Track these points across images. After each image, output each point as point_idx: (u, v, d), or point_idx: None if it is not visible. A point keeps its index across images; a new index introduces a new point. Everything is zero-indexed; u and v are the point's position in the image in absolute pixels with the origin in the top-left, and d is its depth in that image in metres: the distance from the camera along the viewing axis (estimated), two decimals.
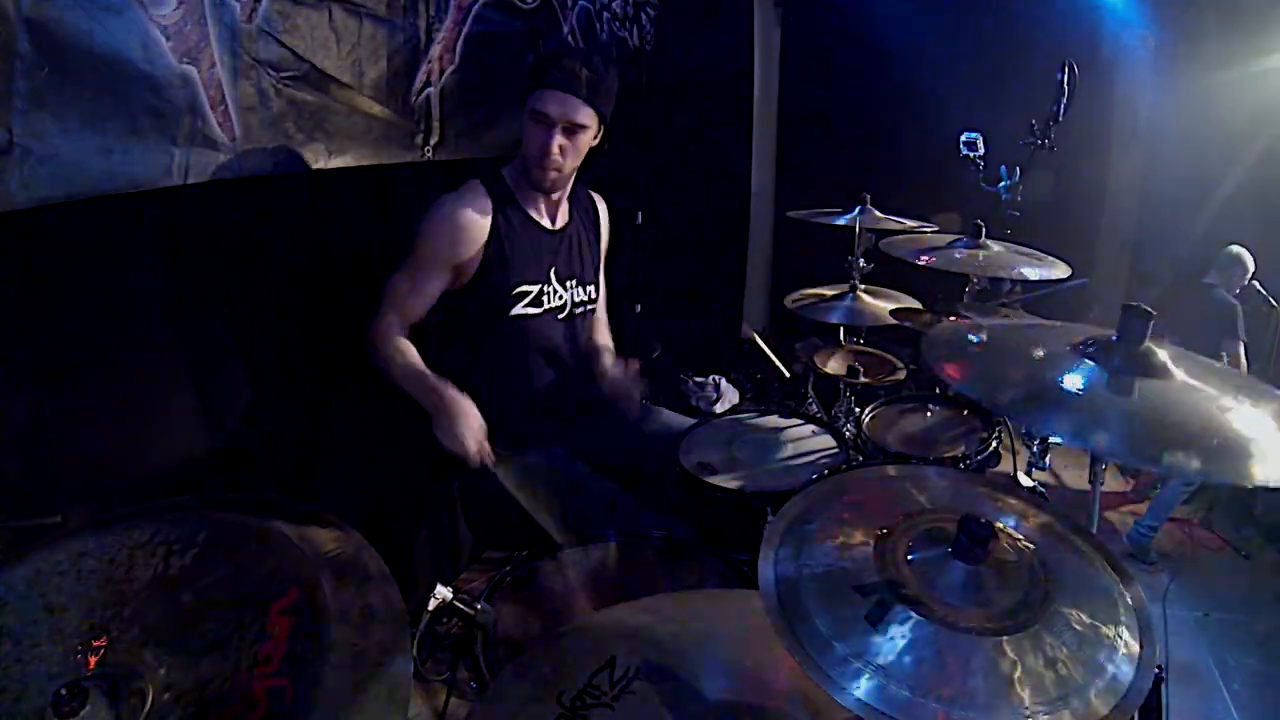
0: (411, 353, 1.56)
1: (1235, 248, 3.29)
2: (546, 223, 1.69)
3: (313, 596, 0.73)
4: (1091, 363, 1.02)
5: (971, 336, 1.21)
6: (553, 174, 1.58)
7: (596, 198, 1.85)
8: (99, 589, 0.73)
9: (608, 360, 1.83)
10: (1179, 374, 1.00)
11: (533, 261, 1.65)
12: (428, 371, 1.52)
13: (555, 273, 1.69)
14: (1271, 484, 0.82)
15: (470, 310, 1.64)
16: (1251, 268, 3.28)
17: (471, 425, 1.45)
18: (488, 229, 1.58)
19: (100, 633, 0.69)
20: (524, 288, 1.63)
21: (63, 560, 0.75)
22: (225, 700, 0.64)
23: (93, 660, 0.67)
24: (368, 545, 0.83)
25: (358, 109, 1.68)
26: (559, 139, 1.54)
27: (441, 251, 1.57)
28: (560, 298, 1.70)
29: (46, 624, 0.70)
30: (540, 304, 1.66)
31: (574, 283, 1.73)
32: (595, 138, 1.62)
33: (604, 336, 1.91)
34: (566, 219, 1.74)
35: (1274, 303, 3.13)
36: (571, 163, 1.60)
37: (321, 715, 0.63)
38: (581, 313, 1.76)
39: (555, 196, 1.68)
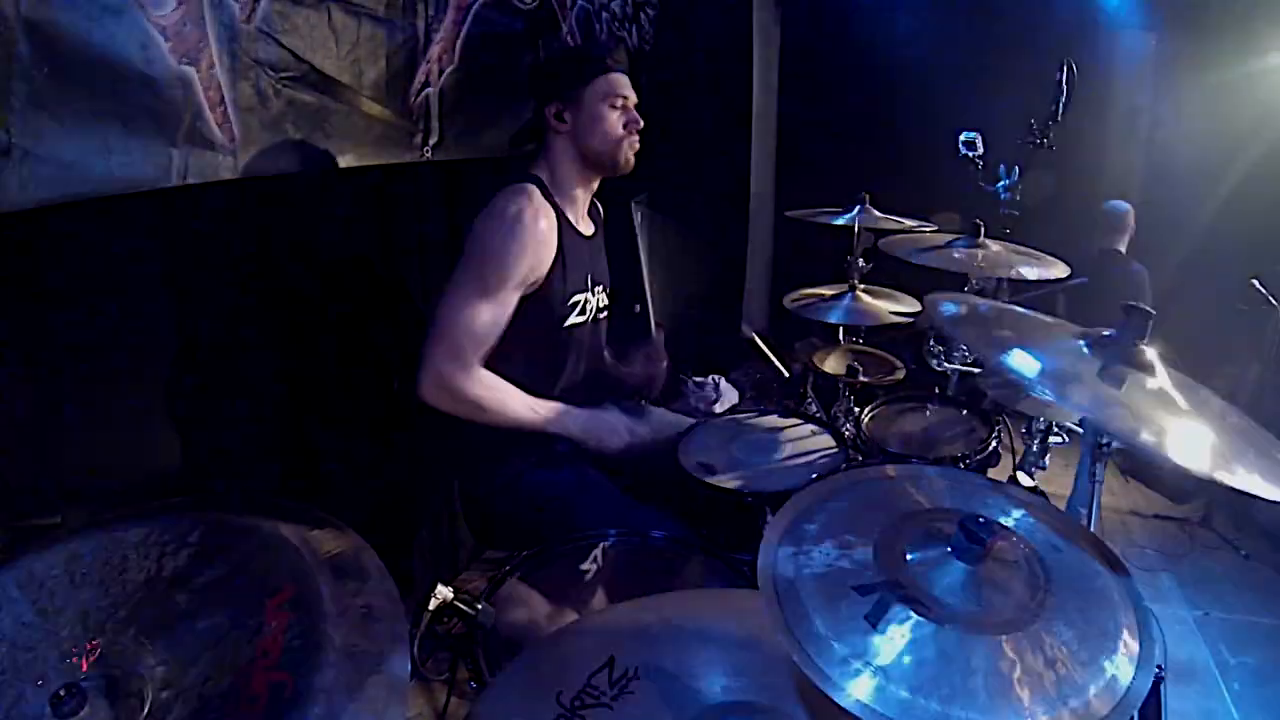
0: (504, 387, 1.51)
1: (1115, 201, 3.40)
2: (583, 229, 1.69)
3: (309, 592, 0.73)
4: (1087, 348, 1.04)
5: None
6: (633, 152, 1.63)
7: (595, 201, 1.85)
8: (93, 592, 0.73)
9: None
10: (1163, 375, 1.02)
11: (581, 269, 1.64)
12: (536, 403, 1.55)
13: (591, 279, 1.69)
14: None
15: (527, 322, 1.54)
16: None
17: (619, 430, 1.62)
18: (556, 238, 1.55)
19: (96, 634, 0.69)
20: (576, 297, 1.63)
21: (55, 564, 0.75)
22: (225, 696, 0.64)
23: (89, 662, 0.67)
24: (367, 545, 0.83)
25: (357, 109, 1.68)
26: (635, 113, 1.61)
27: (532, 266, 1.50)
28: (593, 304, 1.70)
29: (41, 628, 0.70)
30: (585, 312, 1.67)
31: (601, 289, 1.74)
32: None
33: None
34: (592, 224, 1.74)
35: (1274, 301, 3.13)
36: None
37: (322, 708, 0.64)
38: (604, 317, 1.77)
39: (581, 199, 1.68)
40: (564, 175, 1.62)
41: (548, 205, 1.55)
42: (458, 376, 1.45)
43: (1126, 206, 3.43)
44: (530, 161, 1.65)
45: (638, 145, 1.63)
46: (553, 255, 1.54)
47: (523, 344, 1.56)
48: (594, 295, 1.70)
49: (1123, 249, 3.42)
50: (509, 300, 1.49)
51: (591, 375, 1.74)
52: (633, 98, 1.60)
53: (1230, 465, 0.89)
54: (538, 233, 1.50)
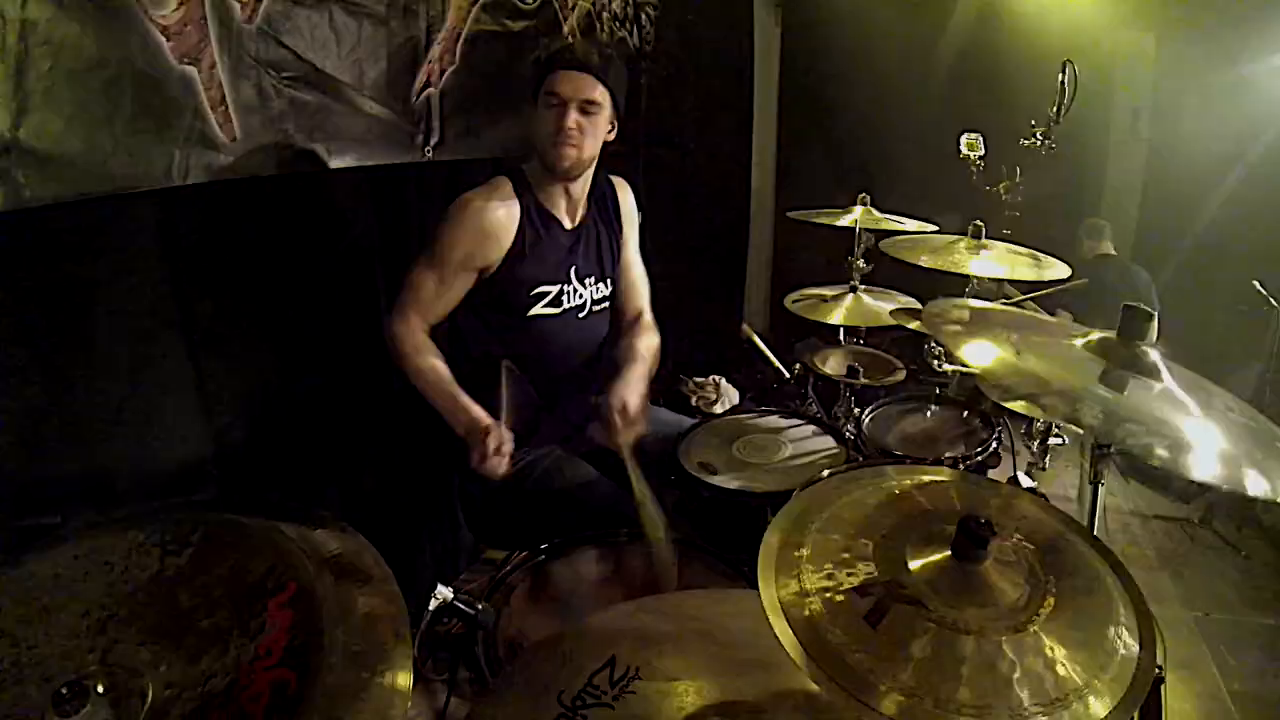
0: (439, 364, 1.55)
1: (1093, 219, 3.56)
2: (566, 220, 1.66)
3: (311, 591, 0.73)
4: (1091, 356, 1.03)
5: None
6: (571, 153, 1.53)
7: (618, 183, 1.80)
8: (96, 591, 0.73)
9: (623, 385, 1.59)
10: (1168, 379, 1.01)
11: (554, 261, 1.63)
12: (458, 392, 1.52)
13: (575, 271, 1.66)
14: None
15: (488, 308, 1.61)
16: None
17: (504, 452, 1.44)
18: (514, 227, 1.56)
19: (98, 633, 0.69)
20: (543, 288, 1.62)
21: (58, 563, 0.75)
22: (228, 694, 0.64)
23: (91, 660, 0.67)
24: (369, 545, 0.83)
25: (358, 109, 1.68)
26: (574, 115, 1.51)
27: (472, 253, 1.55)
28: (580, 296, 1.68)
29: (43, 627, 0.70)
30: (559, 304, 1.65)
31: (593, 280, 1.70)
32: (610, 126, 1.60)
33: (643, 363, 1.68)
34: (584, 214, 1.70)
35: (1274, 302, 3.13)
36: (590, 145, 1.56)
37: (325, 705, 0.64)
38: (600, 310, 1.74)
39: (575, 191, 1.65)
40: (536, 165, 1.61)
41: (511, 195, 1.57)
42: (397, 329, 1.55)
43: (1101, 222, 3.61)
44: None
45: (573, 157, 1.54)
46: (505, 243, 1.55)
47: (483, 331, 1.63)
48: (582, 287, 1.68)
49: (1113, 251, 3.46)
50: (453, 276, 1.56)
51: (575, 371, 1.72)
52: (577, 98, 1.50)
53: (1243, 469, 0.88)
54: (484, 220, 1.54)
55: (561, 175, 1.59)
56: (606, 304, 1.76)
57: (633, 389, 1.57)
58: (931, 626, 0.73)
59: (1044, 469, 1.74)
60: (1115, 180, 3.93)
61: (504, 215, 1.55)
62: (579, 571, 1.30)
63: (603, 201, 1.75)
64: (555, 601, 1.24)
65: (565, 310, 1.66)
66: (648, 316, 1.83)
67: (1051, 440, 1.91)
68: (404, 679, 0.70)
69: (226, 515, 0.83)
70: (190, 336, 1.44)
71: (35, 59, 1.06)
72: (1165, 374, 1.02)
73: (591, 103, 1.53)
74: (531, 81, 1.56)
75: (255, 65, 1.41)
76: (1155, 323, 1.02)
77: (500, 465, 1.43)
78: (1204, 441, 0.92)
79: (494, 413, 1.48)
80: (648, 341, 1.76)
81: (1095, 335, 1.08)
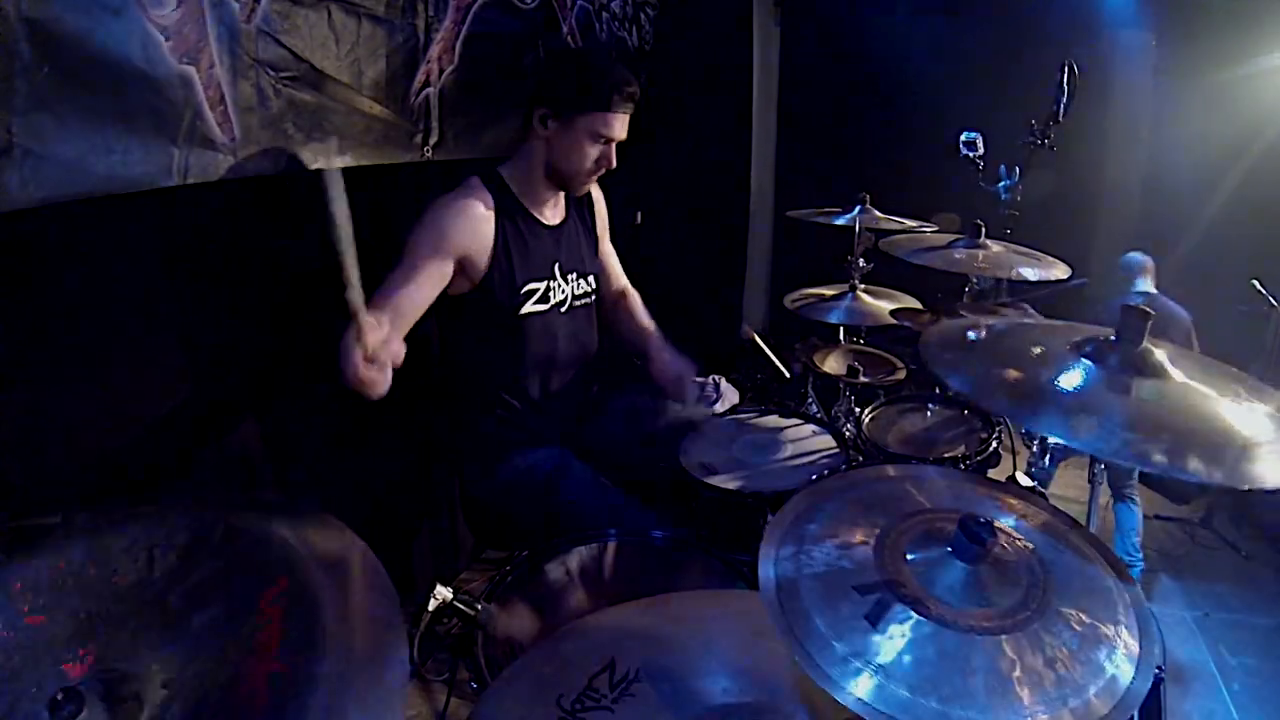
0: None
1: (1130, 255, 3.29)
2: (548, 219, 1.69)
3: (304, 585, 0.72)
4: (1089, 362, 1.03)
5: (970, 334, 1.21)
6: (594, 180, 1.66)
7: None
8: (83, 596, 0.72)
9: (655, 342, 1.87)
10: (1178, 374, 1.00)
11: (539, 258, 1.65)
12: None
13: (559, 267, 1.69)
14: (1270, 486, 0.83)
15: (480, 312, 1.62)
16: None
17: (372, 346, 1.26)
18: (492, 224, 1.57)
19: (91, 636, 0.69)
20: (532, 285, 1.63)
21: (49, 566, 0.75)
22: (227, 692, 0.64)
23: (83, 667, 0.67)
24: (362, 543, 0.83)
25: (357, 109, 1.68)
26: (613, 151, 1.60)
27: (442, 237, 1.51)
28: (564, 292, 1.70)
29: (35, 631, 0.69)
30: (547, 300, 1.67)
31: (575, 275, 1.73)
32: None
33: (645, 319, 1.94)
34: (564, 212, 1.74)
35: (1274, 302, 3.13)
36: None
37: (323, 699, 0.63)
38: (583, 305, 1.76)
39: (553, 191, 1.68)
40: (530, 169, 1.63)
41: (482, 194, 1.58)
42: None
43: (1141, 258, 3.30)
44: (516, 149, 1.66)
45: (594, 180, 1.66)
46: (474, 239, 1.55)
47: (475, 333, 1.64)
48: (564, 283, 1.71)
49: (1154, 289, 3.33)
50: (415, 272, 1.49)
51: (568, 367, 1.74)
52: (620, 137, 1.59)
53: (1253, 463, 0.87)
54: (446, 214, 1.53)
55: (572, 192, 1.68)
56: (589, 299, 1.78)
57: (669, 356, 1.82)
58: (931, 625, 0.73)
59: (1044, 468, 1.73)
60: (1115, 180, 3.93)
61: (475, 206, 1.56)
62: (580, 570, 1.30)
63: (578, 200, 1.78)
64: (553, 602, 1.24)
65: (551, 305, 1.68)
66: (630, 288, 2.00)
67: (1051, 440, 1.91)
68: (401, 678, 0.69)
69: (217, 512, 0.83)
70: (190, 336, 1.44)
71: (35, 58, 1.06)
72: (1174, 371, 1.01)
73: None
74: (559, 93, 1.55)
75: (254, 65, 1.41)
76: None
77: (368, 371, 1.27)
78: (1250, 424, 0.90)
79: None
80: (642, 310, 1.96)
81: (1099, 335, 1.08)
